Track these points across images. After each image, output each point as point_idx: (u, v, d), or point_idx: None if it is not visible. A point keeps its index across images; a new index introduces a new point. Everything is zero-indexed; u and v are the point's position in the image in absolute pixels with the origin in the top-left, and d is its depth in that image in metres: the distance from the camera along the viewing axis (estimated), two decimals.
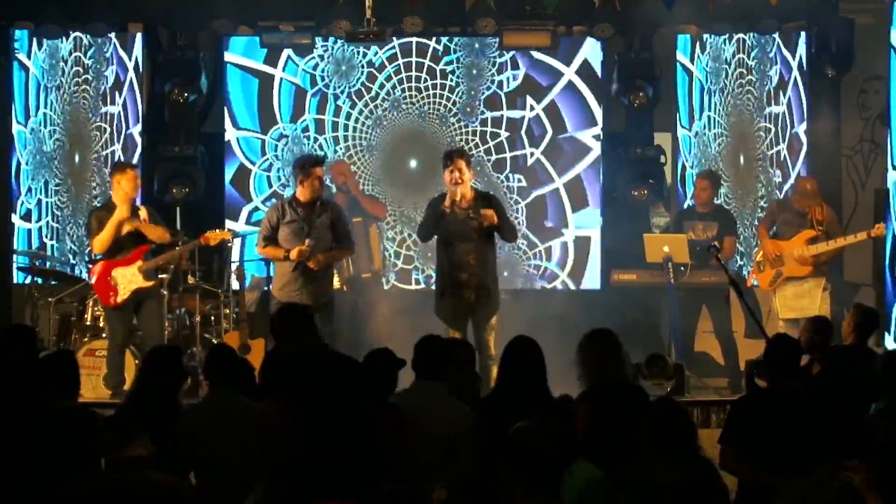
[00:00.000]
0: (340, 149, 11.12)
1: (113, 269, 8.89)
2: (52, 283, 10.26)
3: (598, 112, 11.22)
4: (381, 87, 11.17)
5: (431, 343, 6.03)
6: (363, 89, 11.16)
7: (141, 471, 4.34)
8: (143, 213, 8.99)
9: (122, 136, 11.03)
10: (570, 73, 11.20)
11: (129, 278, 8.86)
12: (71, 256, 10.99)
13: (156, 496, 4.28)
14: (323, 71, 11.17)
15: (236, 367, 6.10)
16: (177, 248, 9.11)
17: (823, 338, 7.16)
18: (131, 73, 11.00)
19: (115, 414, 4.67)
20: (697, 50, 11.16)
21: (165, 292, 9.24)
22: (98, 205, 10.06)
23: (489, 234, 8.69)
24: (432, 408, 5.57)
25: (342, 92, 11.16)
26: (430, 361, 5.91)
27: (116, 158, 10.92)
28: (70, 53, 10.95)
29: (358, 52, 11.10)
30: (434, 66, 11.18)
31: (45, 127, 10.99)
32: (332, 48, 11.10)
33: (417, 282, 11.15)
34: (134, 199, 9.00)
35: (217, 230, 9.30)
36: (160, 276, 9.15)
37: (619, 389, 5.59)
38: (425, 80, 11.19)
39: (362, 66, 11.16)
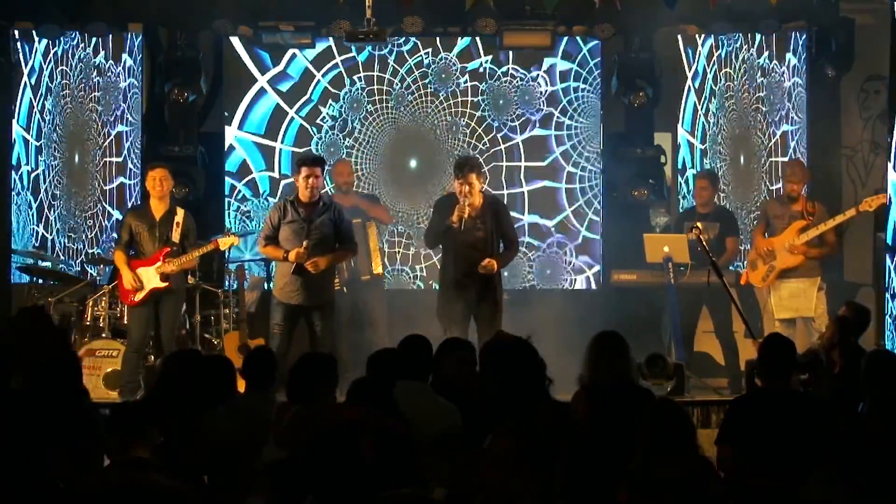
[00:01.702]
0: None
1: (136, 269, 8.97)
2: (52, 283, 10.26)
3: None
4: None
5: (414, 343, 6.03)
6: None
7: (143, 472, 4.33)
8: (178, 216, 9.04)
9: (122, 137, 11.02)
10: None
11: (147, 278, 8.92)
12: (68, 255, 10.99)
13: (155, 498, 4.27)
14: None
15: (274, 370, 6.10)
16: (185, 251, 9.08)
17: (843, 336, 7.17)
18: (131, 73, 10.99)
19: (123, 413, 4.64)
20: (698, 50, 11.15)
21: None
22: (133, 204, 10.33)
23: (495, 244, 8.70)
24: (418, 408, 5.57)
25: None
26: (413, 361, 5.91)
27: (116, 158, 10.95)
28: (70, 52, 10.94)
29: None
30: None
31: (45, 126, 10.98)
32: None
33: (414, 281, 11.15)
34: (164, 198, 9.06)
35: (227, 236, 9.34)
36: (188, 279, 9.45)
37: (625, 390, 5.60)
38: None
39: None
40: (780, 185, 10.77)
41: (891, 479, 4.17)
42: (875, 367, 5.80)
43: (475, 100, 11.11)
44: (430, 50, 11.09)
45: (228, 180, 11.10)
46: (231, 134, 11.11)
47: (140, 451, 4.41)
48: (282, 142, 11.13)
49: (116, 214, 10.81)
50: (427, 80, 11.14)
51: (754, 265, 9.56)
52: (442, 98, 11.15)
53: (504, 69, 11.11)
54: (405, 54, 11.09)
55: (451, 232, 8.62)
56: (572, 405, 5.70)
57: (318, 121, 11.12)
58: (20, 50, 10.83)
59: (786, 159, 10.77)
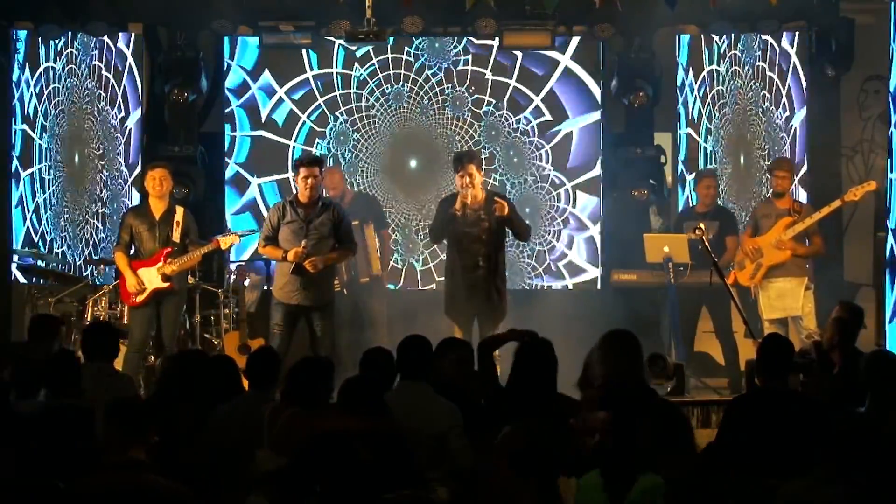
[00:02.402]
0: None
1: (138, 270, 8.96)
2: (52, 283, 10.26)
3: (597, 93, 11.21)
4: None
5: (414, 344, 6.03)
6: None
7: (140, 473, 4.33)
8: (178, 215, 9.03)
9: (122, 137, 11.03)
10: (565, 59, 11.19)
11: (149, 279, 8.91)
12: (69, 255, 10.99)
13: (154, 499, 4.26)
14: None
15: (278, 371, 6.09)
16: (187, 251, 9.06)
17: (843, 337, 7.15)
18: (130, 73, 10.99)
19: (120, 413, 4.63)
20: (699, 50, 11.16)
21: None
22: (133, 204, 10.39)
23: (500, 237, 8.73)
24: (419, 407, 5.58)
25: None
26: (413, 362, 5.91)
27: (114, 158, 10.97)
28: (69, 52, 10.94)
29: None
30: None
31: (45, 126, 10.98)
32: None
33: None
34: (164, 197, 9.05)
35: (227, 235, 9.30)
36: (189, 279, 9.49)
37: (635, 390, 5.59)
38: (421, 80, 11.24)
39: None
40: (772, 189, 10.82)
41: (891, 479, 4.17)
42: (875, 367, 5.80)
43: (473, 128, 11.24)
44: (451, 83, 11.19)
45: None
46: (280, 94, 11.17)
47: (137, 451, 4.39)
48: (308, 117, 11.22)
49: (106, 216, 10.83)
50: (446, 104, 11.22)
51: (741, 265, 9.56)
52: (450, 116, 11.22)
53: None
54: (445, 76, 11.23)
55: (456, 224, 8.65)
56: (586, 405, 5.70)
57: (336, 112, 11.18)
58: (21, 49, 10.84)
59: (772, 164, 10.76)
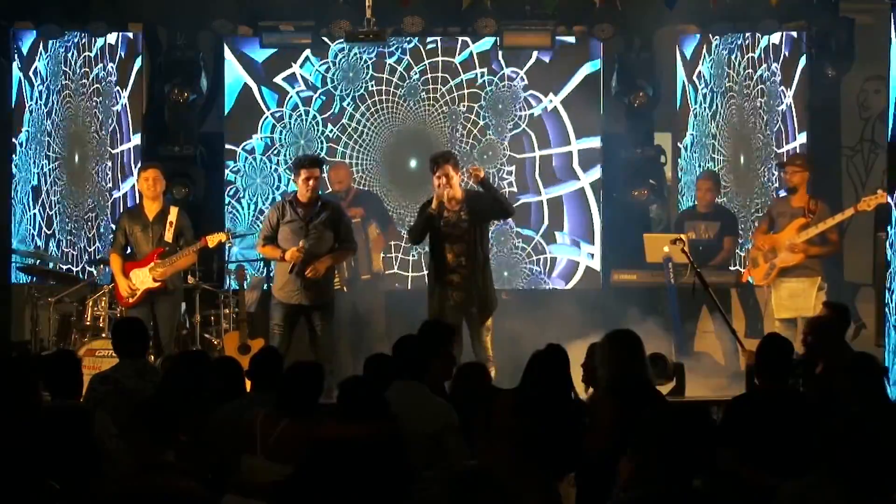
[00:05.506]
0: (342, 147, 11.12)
1: (131, 271, 8.99)
2: (52, 283, 10.26)
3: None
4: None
5: (408, 343, 6.03)
6: (366, 94, 11.13)
7: (174, 476, 4.32)
8: (172, 215, 9.03)
9: (121, 137, 11.02)
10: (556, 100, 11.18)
11: (141, 279, 8.93)
12: (68, 256, 10.99)
13: (181, 501, 4.25)
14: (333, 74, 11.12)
15: (280, 371, 6.07)
16: (179, 251, 9.08)
17: (825, 338, 7.11)
18: (131, 73, 10.99)
19: (149, 417, 4.60)
20: (701, 51, 11.15)
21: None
22: (129, 206, 10.38)
23: (482, 234, 8.70)
24: (414, 407, 5.58)
25: (347, 95, 11.12)
26: (408, 362, 5.91)
27: (116, 158, 10.97)
28: (69, 52, 10.93)
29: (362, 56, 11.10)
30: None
31: (46, 125, 10.97)
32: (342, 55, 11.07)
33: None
34: (157, 198, 9.07)
35: (215, 233, 9.29)
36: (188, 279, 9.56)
37: (639, 390, 5.59)
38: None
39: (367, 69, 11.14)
40: (779, 185, 10.80)
41: (888, 479, 4.17)
42: (856, 371, 5.77)
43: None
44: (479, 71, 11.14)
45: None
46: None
47: (168, 454, 4.39)
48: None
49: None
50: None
51: (756, 262, 9.55)
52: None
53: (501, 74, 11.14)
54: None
55: (436, 225, 8.61)
56: (594, 406, 5.69)
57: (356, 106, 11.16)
58: (21, 49, 10.84)
59: (784, 160, 10.75)
